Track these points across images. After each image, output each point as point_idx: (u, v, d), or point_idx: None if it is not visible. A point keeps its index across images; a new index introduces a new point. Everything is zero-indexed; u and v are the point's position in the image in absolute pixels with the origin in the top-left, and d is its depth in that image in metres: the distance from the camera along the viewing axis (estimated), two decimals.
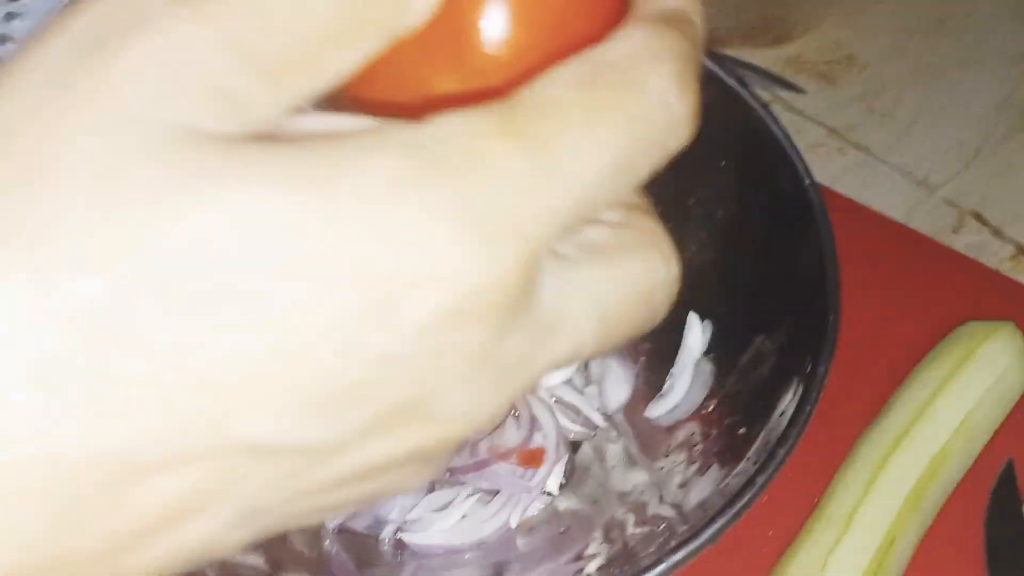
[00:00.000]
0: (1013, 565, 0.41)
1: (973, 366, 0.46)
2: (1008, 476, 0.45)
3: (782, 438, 0.36)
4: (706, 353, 0.45)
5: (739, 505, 0.34)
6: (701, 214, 0.44)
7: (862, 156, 0.63)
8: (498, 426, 0.45)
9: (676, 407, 0.45)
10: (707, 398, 0.44)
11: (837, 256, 0.40)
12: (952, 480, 0.43)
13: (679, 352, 0.45)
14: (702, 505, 0.37)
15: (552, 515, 0.44)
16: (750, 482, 0.35)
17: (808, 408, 0.36)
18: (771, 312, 0.42)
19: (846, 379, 0.46)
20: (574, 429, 0.46)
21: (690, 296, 0.45)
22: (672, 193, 0.43)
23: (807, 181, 0.42)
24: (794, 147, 0.43)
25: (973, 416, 0.44)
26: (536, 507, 0.44)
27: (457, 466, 0.43)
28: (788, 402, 0.38)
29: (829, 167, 0.62)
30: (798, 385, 0.38)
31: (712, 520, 0.34)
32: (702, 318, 0.45)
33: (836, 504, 0.42)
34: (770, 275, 0.43)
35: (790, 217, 0.42)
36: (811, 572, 0.39)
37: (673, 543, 0.34)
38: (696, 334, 0.45)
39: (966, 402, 0.45)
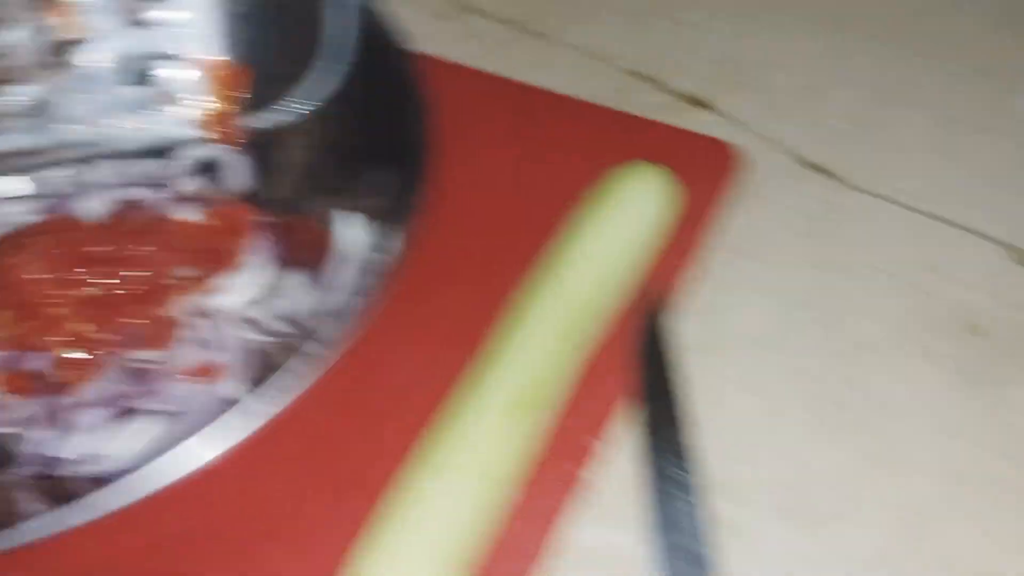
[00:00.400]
0: (661, 396, 0.44)
1: (616, 205, 0.49)
2: (655, 310, 0.48)
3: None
4: (360, 243, 0.47)
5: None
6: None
7: (541, 42, 0.65)
8: (172, 348, 0.46)
9: (343, 297, 0.46)
10: (368, 278, 0.46)
11: (433, 118, 0.43)
12: (600, 316, 0.46)
13: (335, 249, 0.47)
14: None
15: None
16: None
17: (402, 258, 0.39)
18: (388, 185, 0.44)
19: (504, 236, 0.49)
20: (259, 339, 0.48)
21: (329, 193, 0.48)
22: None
23: (403, 51, 0.44)
24: (383, 15, 0.45)
25: (616, 252, 0.47)
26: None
27: (131, 391, 0.44)
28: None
29: (510, 58, 0.64)
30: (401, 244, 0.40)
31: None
32: (345, 211, 0.47)
33: (488, 348, 0.44)
34: (384, 151, 0.45)
35: (392, 90, 0.44)
36: (466, 408, 0.42)
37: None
38: (345, 228, 0.47)
39: (610, 239, 0.48)
